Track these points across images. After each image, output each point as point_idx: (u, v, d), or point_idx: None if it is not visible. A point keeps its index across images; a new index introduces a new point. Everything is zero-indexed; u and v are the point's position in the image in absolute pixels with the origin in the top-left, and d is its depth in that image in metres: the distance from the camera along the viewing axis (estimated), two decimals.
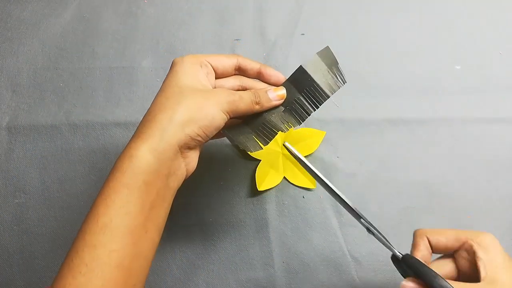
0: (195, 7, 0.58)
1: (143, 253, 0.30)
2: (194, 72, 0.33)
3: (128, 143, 0.31)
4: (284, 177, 0.48)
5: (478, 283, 0.33)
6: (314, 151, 0.49)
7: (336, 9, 0.58)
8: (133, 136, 0.31)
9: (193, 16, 0.57)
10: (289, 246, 0.46)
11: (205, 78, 0.34)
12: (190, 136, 0.31)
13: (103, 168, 0.48)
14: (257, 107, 0.35)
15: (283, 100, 0.36)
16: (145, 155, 0.29)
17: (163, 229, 0.32)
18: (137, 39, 0.55)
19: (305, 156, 0.49)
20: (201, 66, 0.34)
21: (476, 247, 0.34)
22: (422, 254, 0.35)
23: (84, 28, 0.56)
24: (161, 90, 0.33)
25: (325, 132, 0.49)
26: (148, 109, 0.32)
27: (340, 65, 0.36)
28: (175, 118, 0.30)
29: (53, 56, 0.54)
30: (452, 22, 0.57)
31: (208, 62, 0.35)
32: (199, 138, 0.31)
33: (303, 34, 0.56)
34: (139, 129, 0.31)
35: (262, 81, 0.38)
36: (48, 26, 0.55)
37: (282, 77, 0.37)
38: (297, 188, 0.48)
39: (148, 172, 0.29)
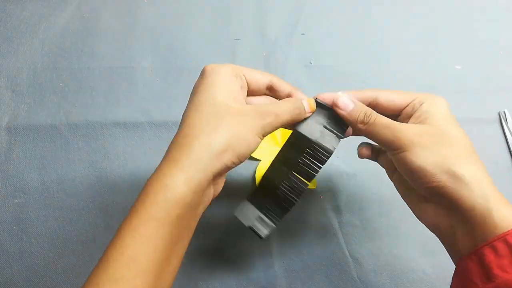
0: (195, 7, 0.58)
1: (164, 287, 0.29)
2: (229, 85, 0.32)
3: (159, 166, 0.29)
4: None
5: (411, 124, 0.32)
6: None
7: (336, 9, 0.58)
8: (165, 159, 0.29)
9: (193, 16, 0.57)
10: (289, 246, 0.46)
11: (240, 92, 0.33)
12: (226, 165, 0.30)
13: (103, 168, 0.48)
14: (296, 119, 0.34)
15: (311, 113, 0.35)
16: (180, 186, 0.27)
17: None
18: (137, 39, 0.55)
19: None
20: (236, 78, 0.33)
21: (424, 101, 0.33)
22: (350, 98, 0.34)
23: (84, 28, 0.56)
24: (194, 105, 0.31)
25: None
26: (180, 127, 0.30)
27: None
28: (212, 147, 0.29)
29: (53, 56, 0.54)
30: (452, 22, 0.57)
31: (244, 75, 0.33)
32: (234, 166, 0.30)
33: (303, 34, 0.56)
34: (173, 153, 0.29)
35: None
36: (48, 26, 0.55)
37: (312, 101, 0.36)
38: None
39: (182, 205, 0.28)
